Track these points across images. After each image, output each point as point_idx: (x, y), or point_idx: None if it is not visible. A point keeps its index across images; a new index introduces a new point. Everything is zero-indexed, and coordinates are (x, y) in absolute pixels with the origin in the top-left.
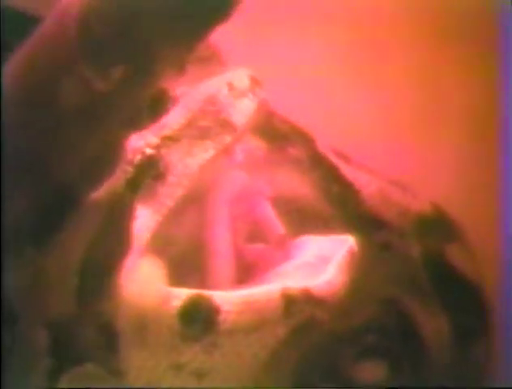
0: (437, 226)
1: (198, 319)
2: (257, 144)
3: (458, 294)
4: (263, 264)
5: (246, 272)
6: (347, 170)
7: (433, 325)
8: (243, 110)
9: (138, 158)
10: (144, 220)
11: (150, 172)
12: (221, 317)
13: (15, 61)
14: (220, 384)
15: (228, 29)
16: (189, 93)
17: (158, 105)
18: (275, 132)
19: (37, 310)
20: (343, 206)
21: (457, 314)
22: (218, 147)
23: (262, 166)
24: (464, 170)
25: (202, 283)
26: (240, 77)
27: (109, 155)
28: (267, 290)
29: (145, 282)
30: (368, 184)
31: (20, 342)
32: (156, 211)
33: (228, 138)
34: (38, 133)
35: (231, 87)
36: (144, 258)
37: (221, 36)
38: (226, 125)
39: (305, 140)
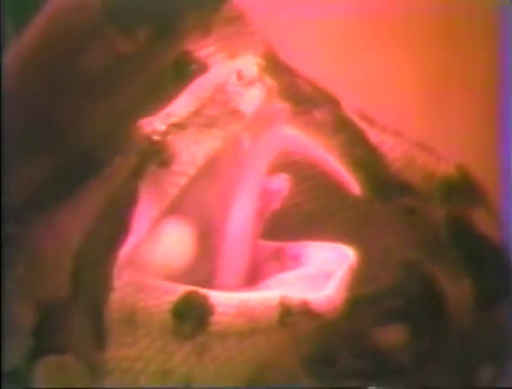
0: (462, 189)
1: (191, 317)
2: (282, 107)
3: (482, 258)
4: (266, 269)
5: (251, 272)
6: (372, 133)
7: (456, 289)
8: (251, 99)
9: (144, 144)
10: (145, 208)
11: (155, 159)
12: (215, 317)
13: (36, 27)
14: None
15: None
16: (198, 81)
17: (182, 67)
18: (300, 95)
19: (29, 289)
20: (367, 170)
21: (480, 277)
22: (225, 136)
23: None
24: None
25: (208, 277)
26: (249, 65)
27: (131, 118)
28: (266, 297)
29: (171, 247)
30: (393, 147)
31: (8, 317)
32: (158, 200)
33: (235, 127)
34: (60, 98)
35: (239, 75)
36: (172, 224)
37: None
38: (234, 113)
39: (331, 103)
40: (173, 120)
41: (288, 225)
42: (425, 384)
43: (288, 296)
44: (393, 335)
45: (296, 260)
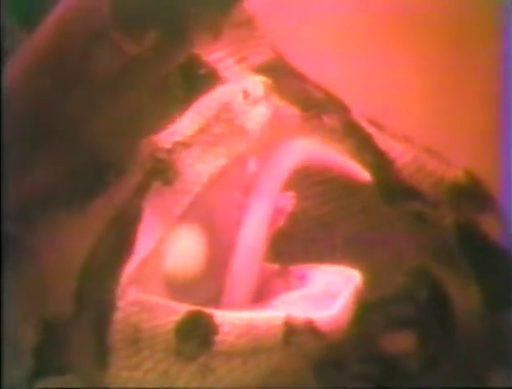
0: (471, 195)
1: (195, 336)
2: (291, 112)
3: (490, 263)
4: (271, 288)
5: (256, 291)
6: (381, 139)
7: (464, 295)
8: (257, 118)
9: (148, 162)
10: (150, 226)
11: (160, 177)
12: (219, 337)
13: (44, 30)
14: None
15: None
16: (204, 99)
17: (191, 71)
18: (309, 100)
19: (32, 307)
20: (376, 175)
21: (488, 283)
22: (230, 155)
23: (295, 134)
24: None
25: (216, 296)
26: (255, 84)
27: (139, 122)
28: (270, 316)
29: (184, 254)
30: (402, 153)
31: (8, 337)
32: (162, 219)
33: (241, 146)
34: (68, 99)
35: (245, 94)
36: (184, 231)
37: (257, 0)
38: (240, 132)
39: (340, 108)
40: (178, 138)
41: (296, 230)
42: None
43: (292, 315)
44: (401, 341)
45: (301, 280)
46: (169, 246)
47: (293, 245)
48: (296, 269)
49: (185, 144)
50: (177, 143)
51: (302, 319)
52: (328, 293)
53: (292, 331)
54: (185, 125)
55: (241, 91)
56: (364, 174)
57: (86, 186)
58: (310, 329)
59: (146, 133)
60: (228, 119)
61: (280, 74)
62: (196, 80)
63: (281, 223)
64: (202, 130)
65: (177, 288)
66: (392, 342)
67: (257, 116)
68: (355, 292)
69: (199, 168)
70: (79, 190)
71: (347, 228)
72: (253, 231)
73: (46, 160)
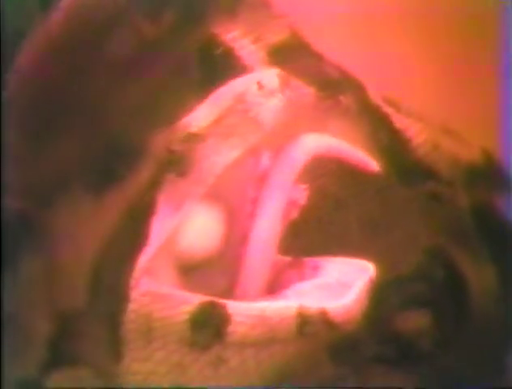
0: (487, 175)
1: (208, 326)
2: (307, 92)
3: (505, 243)
4: (285, 279)
5: (269, 281)
6: (397, 119)
7: (479, 275)
8: (271, 110)
9: (163, 154)
10: (163, 218)
11: (174, 169)
12: (231, 328)
13: (62, 11)
14: None
15: None
16: (219, 91)
17: (208, 50)
18: (326, 79)
19: (46, 298)
20: (392, 155)
21: (504, 264)
22: (245, 146)
23: (311, 114)
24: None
25: (230, 285)
26: (269, 76)
27: (157, 103)
28: (283, 306)
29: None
30: (418, 133)
31: (21, 329)
32: (176, 209)
33: (255, 138)
34: (89, 81)
35: (260, 86)
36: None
37: None
38: (254, 124)
39: (356, 88)
40: (193, 130)
41: (312, 213)
42: (449, 369)
43: (305, 305)
44: (416, 321)
45: (314, 270)
46: (184, 228)
47: (308, 229)
48: (310, 260)
49: (200, 136)
50: (191, 135)
51: (315, 309)
52: (342, 283)
53: (305, 322)
54: (199, 116)
55: (255, 83)
56: (373, 164)
57: (102, 168)
58: (323, 319)
59: (164, 114)
60: (242, 110)
61: (296, 53)
62: (213, 60)
63: (295, 215)
64: (216, 122)
65: (191, 275)
66: (407, 321)
67: (271, 108)
68: (369, 283)
69: (214, 160)
70: (96, 172)
71: (362, 209)
72: (268, 224)
73: (62, 140)
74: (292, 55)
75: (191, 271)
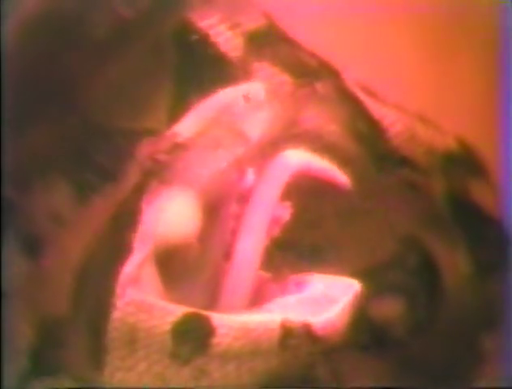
0: (463, 163)
1: (192, 338)
2: (284, 79)
3: (481, 231)
4: (268, 293)
5: (253, 295)
6: (374, 107)
7: (454, 263)
8: (258, 123)
9: (147, 163)
10: (148, 226)
11: (158, 177)
12: (215, 339)
13: None
14: None
15: None
16: (205, 102)
17: (183, 36)
18: (303, 67)
19: (28, 306)
20: (368, 143)
21: (477, 250)
22: (230, 158)
23: (288, 102)
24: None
25: (213, 299)
26: (256, 89)
27: (134, 85)
28: (267, 319)
29: (175, 220)
30: (395, 121)
31: (3, 337)
32: (160, 218)
33: (240, 150)
34: (65, 63)
35: (247, 98)
36: (176, 199)
37: None
38: (239, 136)
39: (333, 76)
40: (178, 140)
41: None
42: (422, 356)
43: (289, 319)
44: (390, 308)
45: (298, 286)
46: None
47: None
48: (294, 277)
49: (185, 146)
50: (176, 145)
51: (299, 323)
52: (326, 298)
53: (288, 335)
54: (185, 127)
55: (242, 96)
56: (344, 180)
57: (81, 150)
58: (306, 333)
59: (140, 97)
60: (228, 122)
61: (273, 40)
62: (189, 45)
63: (278, 232)
64: (202, 133)
65: (175, 287)
66: (381, 308)
67: (257, 121)
68: (353, 299)
69: (198, 171)
70: (75, 154)
71: (338, 197)
72: (252, 241)
73: (43, 121)
74: (268, 42)
75: (175, 282)
